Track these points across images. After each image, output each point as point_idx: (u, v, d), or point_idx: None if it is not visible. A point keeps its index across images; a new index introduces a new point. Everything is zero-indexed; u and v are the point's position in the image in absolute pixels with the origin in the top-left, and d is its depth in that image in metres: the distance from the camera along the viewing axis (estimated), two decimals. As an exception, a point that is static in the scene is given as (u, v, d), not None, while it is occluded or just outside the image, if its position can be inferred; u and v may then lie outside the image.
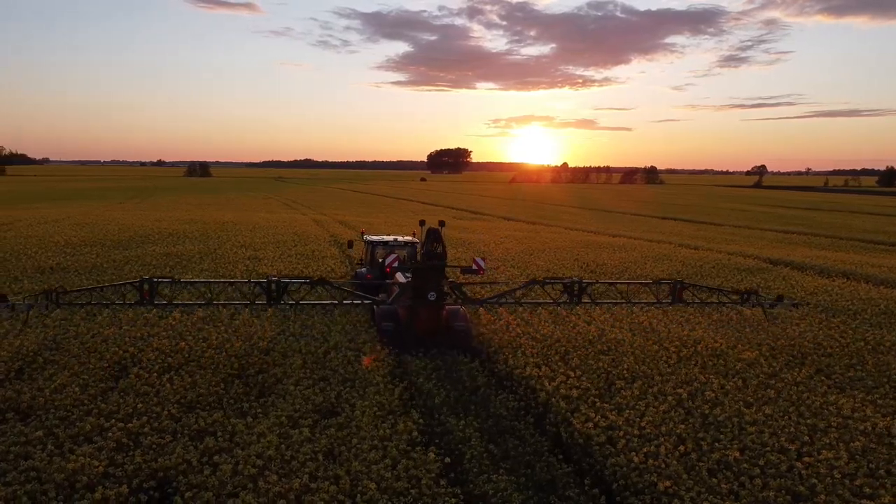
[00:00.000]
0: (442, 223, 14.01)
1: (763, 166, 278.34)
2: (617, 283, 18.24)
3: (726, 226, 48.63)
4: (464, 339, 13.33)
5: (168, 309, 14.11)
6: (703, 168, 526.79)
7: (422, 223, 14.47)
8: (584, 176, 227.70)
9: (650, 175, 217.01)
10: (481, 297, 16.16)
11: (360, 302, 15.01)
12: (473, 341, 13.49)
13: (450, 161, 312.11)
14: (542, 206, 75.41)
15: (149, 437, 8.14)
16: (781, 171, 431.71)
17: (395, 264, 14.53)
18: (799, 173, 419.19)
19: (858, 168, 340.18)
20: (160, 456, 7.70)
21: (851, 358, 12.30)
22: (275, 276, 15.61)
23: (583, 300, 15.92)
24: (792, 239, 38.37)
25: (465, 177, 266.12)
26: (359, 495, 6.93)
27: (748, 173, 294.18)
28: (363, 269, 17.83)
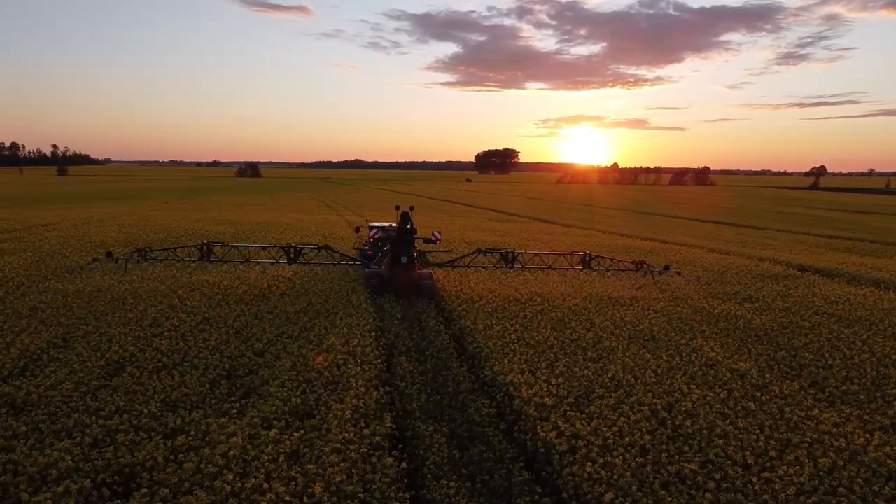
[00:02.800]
0: (412, 207, 18.54)
1: (822, 167, 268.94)
2: (540, 253, 23.11)
3: (768, 229, 47.25)
4: (430, 293, 17.34)
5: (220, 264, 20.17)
6: (759, 169, 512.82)
7: (397, 207, 18.87)
8: (632, 177, 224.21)
9: (700, 176, 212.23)
10: (440, 262, 21.65)
11: (352, 263, 20.91)
12: (437, 295, 17.29)
13: (497, 161, 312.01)
14: (582, 207, 74.67)
15: (125, 435, 8.50)
16: (843, 172, 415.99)
17: (377, 235, 20.34)
18: (861, 174, 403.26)
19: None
20: (130, 453, 8.06)
21: (851, 370, 11.93)
22: (293, 243, 21.43)
23: (515, 266, 21.23)
24: (835, 244, 37.01)
25: (511, 177, 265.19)
26: (306, 497, 7.15)
27: (807, 174, 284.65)
28: (366, 248, 22.63)
